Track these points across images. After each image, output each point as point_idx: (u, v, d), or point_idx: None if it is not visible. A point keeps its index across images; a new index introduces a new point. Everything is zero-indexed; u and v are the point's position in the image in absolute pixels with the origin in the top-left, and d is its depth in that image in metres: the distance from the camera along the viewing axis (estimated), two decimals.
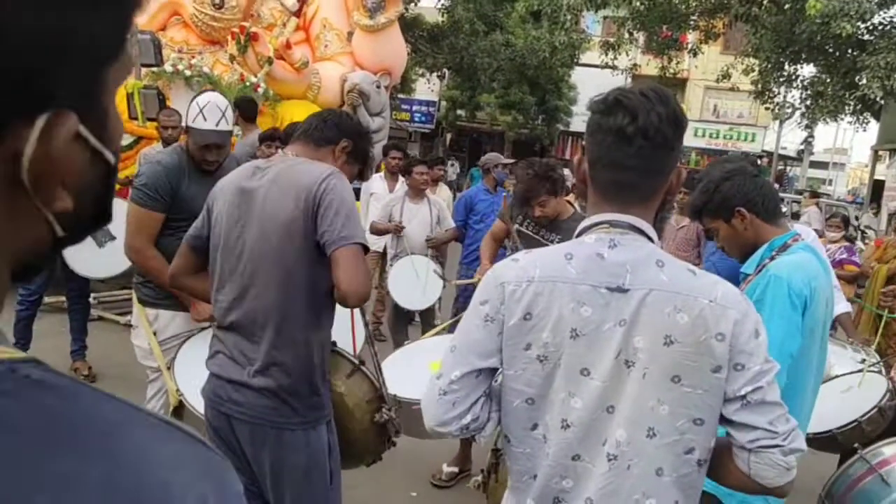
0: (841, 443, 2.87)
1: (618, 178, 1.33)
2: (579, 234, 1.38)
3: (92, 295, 5.44)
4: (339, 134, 2.21)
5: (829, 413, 2.89)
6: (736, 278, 2.10)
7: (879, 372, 3.23)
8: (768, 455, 1.27)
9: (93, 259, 4.83)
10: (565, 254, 1.34)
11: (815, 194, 14.12)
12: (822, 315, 2.08)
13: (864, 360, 3.58)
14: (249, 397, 2.05)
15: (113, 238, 4.71)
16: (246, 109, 6.16)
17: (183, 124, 3.34)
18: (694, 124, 27.92)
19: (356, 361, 2.27)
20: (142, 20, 6.47)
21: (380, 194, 6.27)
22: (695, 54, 17.61)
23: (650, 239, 1.34)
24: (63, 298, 5.22)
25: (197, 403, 2.39)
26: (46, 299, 5.73)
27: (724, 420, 1.31)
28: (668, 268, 1.31)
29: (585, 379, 1.30)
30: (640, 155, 1.29)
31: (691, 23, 16.53)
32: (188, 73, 7.59)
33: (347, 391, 2.24)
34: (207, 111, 2.96)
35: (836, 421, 2.83)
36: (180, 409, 2.54)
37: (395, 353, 3.10)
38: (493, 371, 1.39)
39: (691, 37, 17.90)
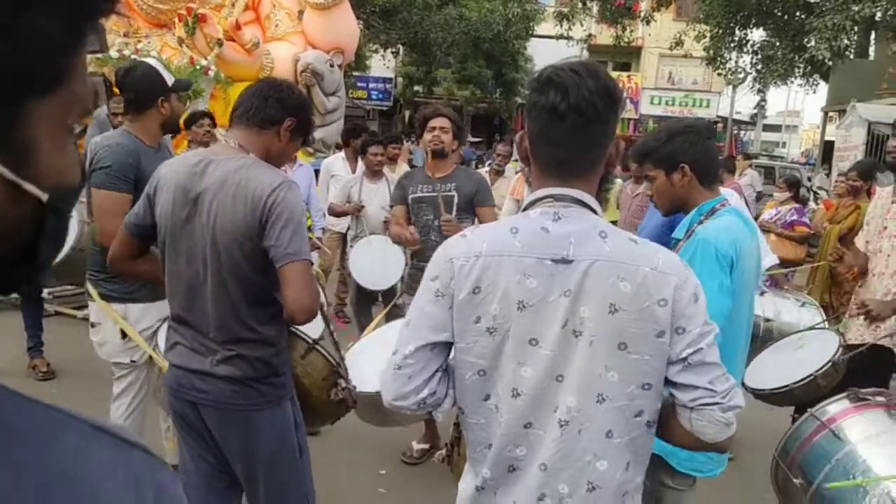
0: (798, 396, 2.98)
1: (556, 154, 1.37)
2: (525, 209, 1.42)
3: (46, 290, 5.31)
4: (284, 112, 2.14)
5: (787, 369, 3.01)
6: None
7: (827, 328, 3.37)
8: (708, 412, 1.34)
9: None
10: (511, 228, 1.38)
11: (748, 156, 14.49)
12: (749, 275, 2.14)
13: (804, 304, 3.85)
14: (214, 385, 2.07)
15: None
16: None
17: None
18: (650, 92, 28.14)
19: (310, 340, 2.29)
20: None
21: (341, 175, 6.17)
22: (648, 22, 17.75)
23: (593, 211, 1.38)
24: (16, 295, 5.10)
25: None
26: None
27: (667, 381, 1.37)
28: (610, 238, 1.35)
29: (534, 349, 1.34)
30: (573, 131, 1.33)
31: None
32: (135, 58, 7.41)
33: (303, 371, 2.26)
34: (163, 69, 3.03)
35: (793, 376, 2.94)
36: None
37: (356, 345, 3.05)
38: (447, 345, 1.43)
39: (644, 5, 18.00)
